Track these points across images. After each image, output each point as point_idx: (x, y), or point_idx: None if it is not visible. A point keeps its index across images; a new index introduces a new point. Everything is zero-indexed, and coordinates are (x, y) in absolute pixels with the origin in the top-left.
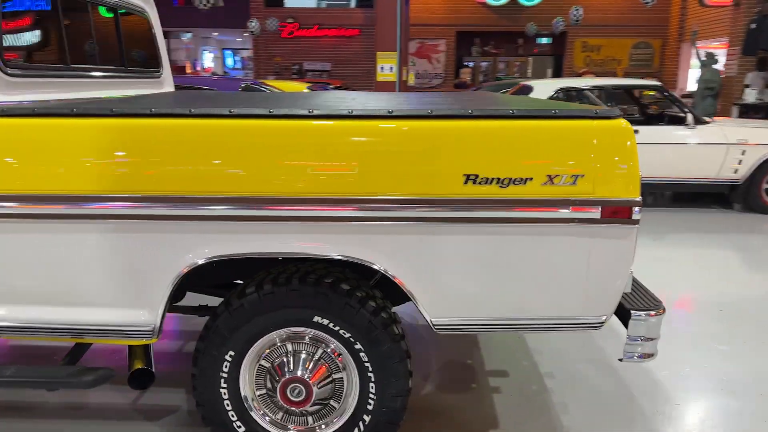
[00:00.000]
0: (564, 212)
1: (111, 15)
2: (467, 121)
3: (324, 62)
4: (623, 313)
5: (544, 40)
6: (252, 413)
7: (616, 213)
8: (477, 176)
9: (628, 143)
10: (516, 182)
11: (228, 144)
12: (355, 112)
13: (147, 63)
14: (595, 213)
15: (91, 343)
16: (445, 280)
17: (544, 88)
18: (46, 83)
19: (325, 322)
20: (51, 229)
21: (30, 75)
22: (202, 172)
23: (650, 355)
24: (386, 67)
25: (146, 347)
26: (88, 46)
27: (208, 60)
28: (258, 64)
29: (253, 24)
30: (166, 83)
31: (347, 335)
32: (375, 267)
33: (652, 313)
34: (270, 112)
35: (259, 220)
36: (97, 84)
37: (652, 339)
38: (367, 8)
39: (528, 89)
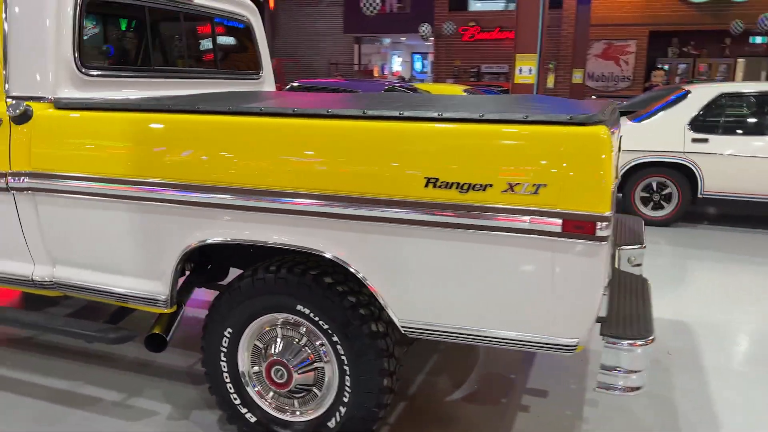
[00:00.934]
0: (523, 223)
1: (207, 23)
2: (430, 124)
3: (502, 65)
4: None
5: (759, 40)
6: (248, 388)
7: (579, 228)
8: (437, 180)
9: (601, 153)
10: (475, 188)
11: (229, 138)
12: (330, 112)
13: (246, 65)
14: (556, 226)
15: (134, 309)
16: (409, 282)
17: (702, 92)
18: (124, 82)
19: (307, 311)
20: (86, 206)
21: (107, 75)
22: (196, 163)
23: (634, 389)
24: (525, 69)
25: (172, 318)
26: (175, 50)
27: (396, 64)
28: (438, 67)
29: (424, 28)
30: (266, 83)
31: (325, 326)
32: (339, 261)
33: (637, 342)
34: (261, 109)
35: (234, 208)
36: (185, 83)
37: (634, 371)
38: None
39: (684, 94)
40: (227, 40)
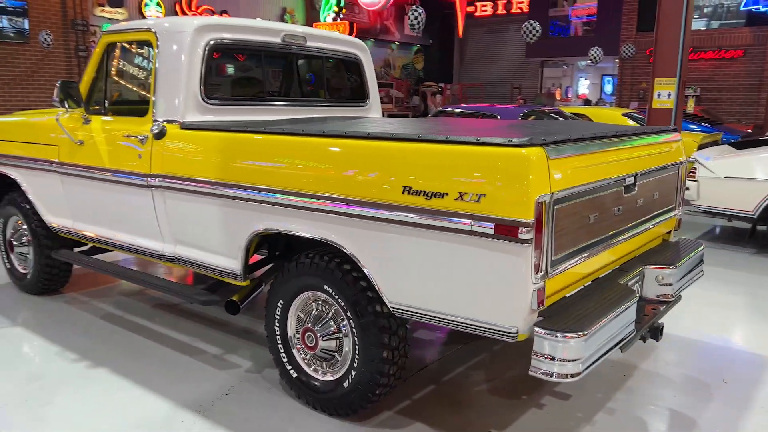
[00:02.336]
0: (467, 225)
1: (318, 59)
2: (406, 143)
3: (693, 87)
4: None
5: None
6: (293, 350)
7: (507, 231)
8: (411, 188)
9: (528, 171)
10: (436, 196)
11: (274, 152)
12: (347, 133)
13: (353, 94)
14: (489, 229)
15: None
16: (393, 271)
17: None
18: (239, 109)
19: (330, 290)
20: (190, 199)
21: (225, 103)
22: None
23: (568, 376)
24: (663, 93)
25: (250, 291)
26: (286, 82)
27: (582, 87)
28: (623, 89)
29: (594, 52)
30: (372, 110)
31: (342, 304)
32: (344, 250)
33: (570, 335)
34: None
35: (274, 204)
36: (293, 110)
37: (569, 360)
38: (757, 26)
39: None
40: (337, 73)
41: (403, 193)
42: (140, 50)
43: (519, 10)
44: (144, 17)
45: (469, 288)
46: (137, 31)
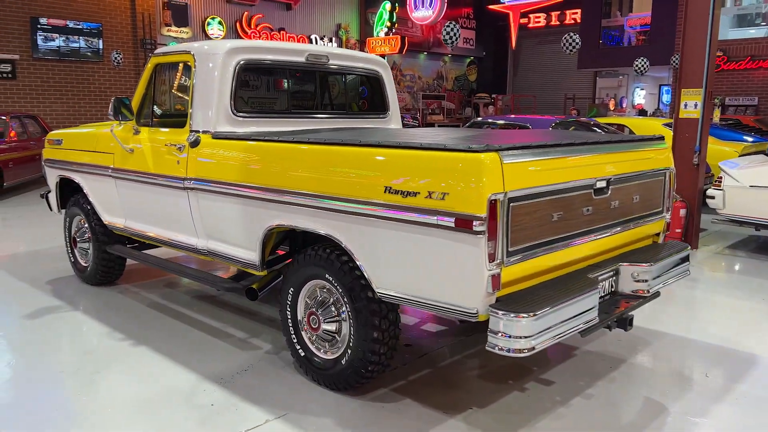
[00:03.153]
0: (434, 219)
1: (340, 75)
2: (388, 150)
3: (751, 96)
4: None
5: None
6: (302, 332)
7: (465, 224)
8: (391, 188)
9: (482, 173)
10: (410, 195)
11: (277, 157)
12: (314, 139)
13: (375, 107)
14: (451, 222)
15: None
16: (379, 260)
17: None
18: (265, 121)
19: (331, 278)
20: (211, 198)
21: (252, 116)
22: (262, 172)
23: (521, 351)
24: (690, 104)
25: (270, 281)
26: (309, 96)
27: (638, 97)
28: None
29: (639, 63)
30: (392, 121)
31: (340, 290)
32: (342, 245)
33: (521, 315)
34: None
35: (278, 203)
36: (314, 121)
37: (522, 337)
38: None
39: None
40: (358, 88)
41: (384, 192)
42: (181, 70)
43: (573, 21)
44: (207, 36)
45: (438, 274)
46: (179, 53)
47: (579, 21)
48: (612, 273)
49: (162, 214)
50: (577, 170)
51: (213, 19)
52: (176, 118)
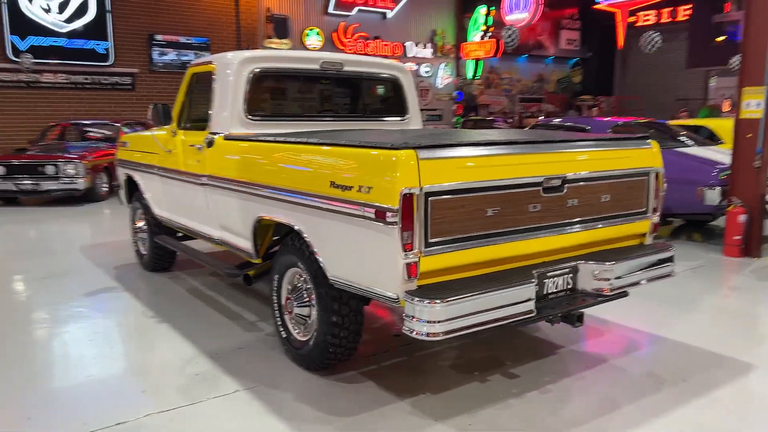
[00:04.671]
0: (360, 211)
1: (356, 80)
2: (332, 147)
3: None
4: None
5: None
6: (285, 315)
7: (381, 215)
8: (334, 182)
9: (396, 168)
10: (347, 188)
11: (264, 155)
12: (283, 139)
13: (393, 110)
14: (372, 214)
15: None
16: (329, 247)
17: None
18: (276, 123)
19: (301, 266)
20: (219, 193)
21: (264, 119)
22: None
23: (435, 334)
24: (752, 103)
25: (266, 270)
26: (323, 99)
27: None
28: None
29: (734, 61)
30: (412, 123)
31: (307, 277)
32: (303, 235)
33: (436, 302)
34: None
35: (259, 196)
36: (328, 123)
37: (436, 321)
38: None
39: None
40: (375, 92)
41: (330, 186)
42: (207, 78)
43: (685, 17)
44: (305, 47)
45: (368, 263)
46: (206, 63)
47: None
48: (568, 270)
49: (189, 206)
50: (517, 168)
51: (311, 30)
52: (202, 122)
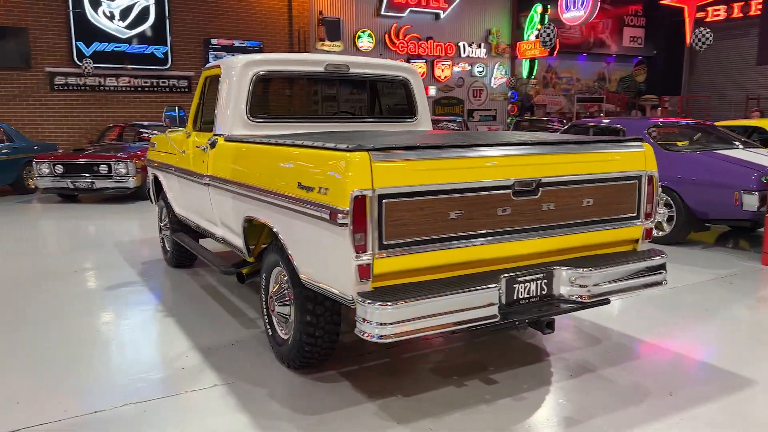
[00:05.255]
0: (318, 212)
1: (362, 81)
2: (298, 149)
3: None
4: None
5: None
6: (271, 312)
7: (334, 217)
8: (301, 183)
9: (349, 170)
10: (310, 189)
11: (244, 156)
12: (261, 140)
13: (401, 111)
14: (327, 215)
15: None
16: (299, 248)
17: None
18: (277, 125)
19: (282, 266)
20: (218, 192)
21: (265, 121)
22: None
23: (387, 336)
24: None
25: (259, 269)
26: (326, 101)
27: None
28: None
29: None
30: (422, 124)
31: (287, 276)
32: (279, 235)
33: (388, 304)
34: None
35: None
36: (330, 125)
37: (387, 324)
38: None
39: None
40: (381, 93)
41: (297, 187)
42: (216, 81)
43: (758, 12)
44: (357, 49)
45: (328, 263)
46: (215, 67)
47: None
48: (542, 275)
49: (198, 205)
50: (483, 171)
51: (363, 32)
52: (210, 124)
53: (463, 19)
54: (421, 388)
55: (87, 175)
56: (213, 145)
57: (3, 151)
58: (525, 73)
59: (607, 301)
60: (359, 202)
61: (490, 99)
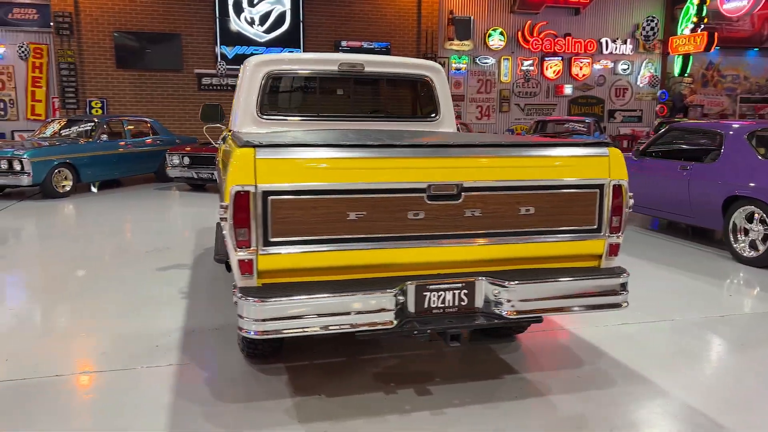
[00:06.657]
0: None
1: (377, 80)
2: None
3: None
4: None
5: None
6: None
7: (222, 210)
8: (224, 178)
9: (231, 166)
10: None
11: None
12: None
13: (423, 110)
14: (224, 210)
15: None
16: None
17: None
18: (286, 122)
19: None
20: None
21: (274, 118)
22: None
23: (264, 332)
24: None
25: None
26: (341, 100)
27: None
28: None
29: None
30: (444, 124)
31: None
32: None
33: (269, 300)
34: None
35: None
36: (343, 123)
37: (264, 320)
38: None
39: None
40: (401, 92)
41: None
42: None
43: None
44: (487, 47)
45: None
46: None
47: None
48: (461, 286)
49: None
50: (390, 172)
51: (494, 30)
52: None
53: (607, 14)
54: (351, 390)
55: (208, 166)
56: (224, 140)
57: (148, 143)
58: (677, 71)
59: (539, 319)
60: (240, 197)
61: (636, 98)
